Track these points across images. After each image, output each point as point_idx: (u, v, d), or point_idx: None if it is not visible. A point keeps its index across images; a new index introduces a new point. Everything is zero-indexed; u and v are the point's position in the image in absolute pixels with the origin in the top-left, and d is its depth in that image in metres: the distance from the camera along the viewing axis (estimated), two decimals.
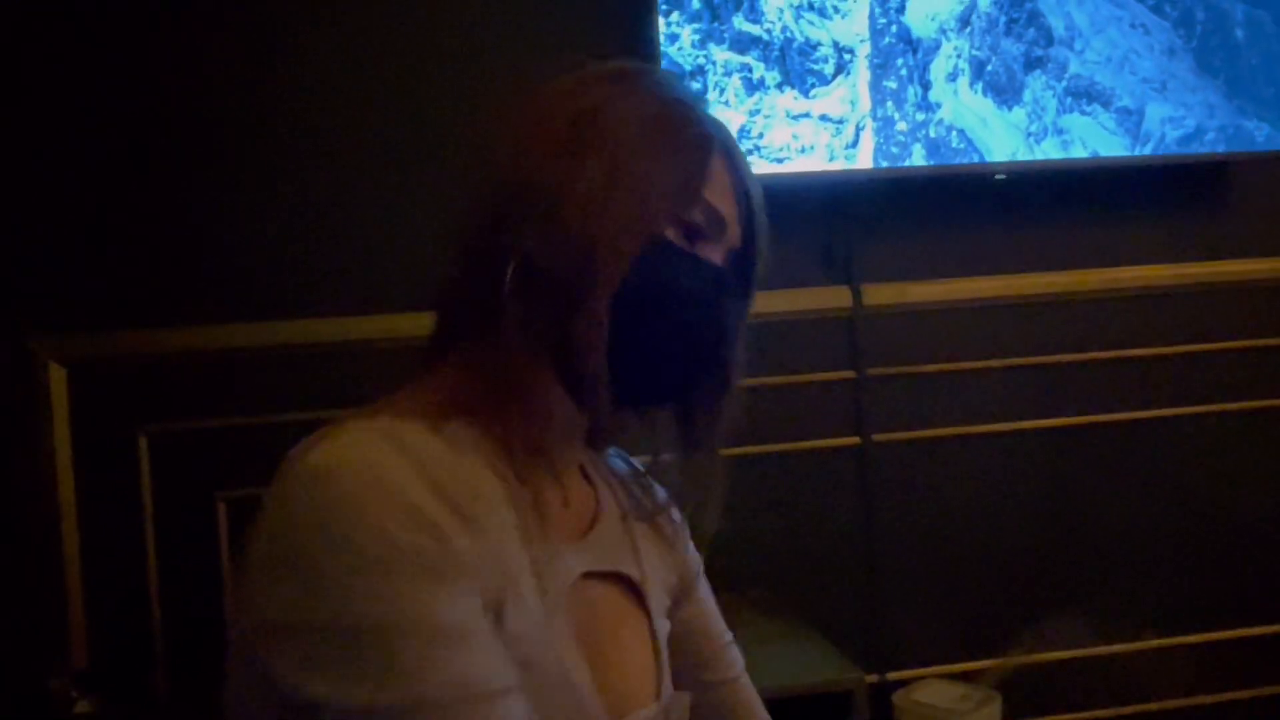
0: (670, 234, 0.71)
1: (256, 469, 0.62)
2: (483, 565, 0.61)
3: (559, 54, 1.92)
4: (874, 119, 1.93)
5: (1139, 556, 2.06)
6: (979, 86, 1.98)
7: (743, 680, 0.89)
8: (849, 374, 1.97)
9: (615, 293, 0.68)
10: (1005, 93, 1.99)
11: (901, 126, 1.93)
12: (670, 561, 0.85)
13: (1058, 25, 2.01)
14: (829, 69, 1.93)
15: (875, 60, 1.94)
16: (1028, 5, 1.98)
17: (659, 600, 0.81)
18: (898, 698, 1.74)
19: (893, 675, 1.93)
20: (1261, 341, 2.10)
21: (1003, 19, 1.98)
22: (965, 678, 1.83)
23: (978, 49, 1.97)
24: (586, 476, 0.81)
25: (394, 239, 1.80)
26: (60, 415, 1.75)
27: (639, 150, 0.70)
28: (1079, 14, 2.00)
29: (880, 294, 1.97)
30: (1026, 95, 1.98)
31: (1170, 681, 2.03)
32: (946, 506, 2.00)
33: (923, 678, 1.84)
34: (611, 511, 0.80)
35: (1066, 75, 2.01)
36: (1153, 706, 2.04)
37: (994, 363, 2.01)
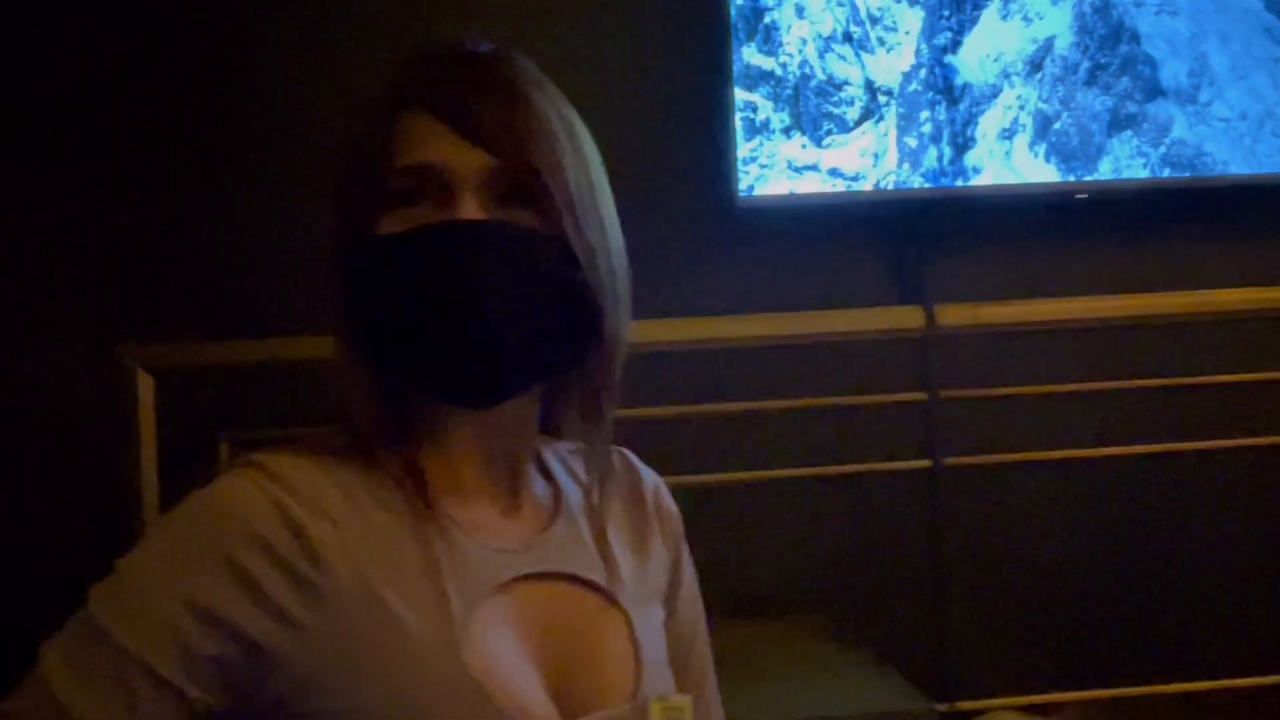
0: (383, 223, 0.71)
1: None
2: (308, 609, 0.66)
3: (629, 81, 1.92)
4: (897, 176, 1.68)
5: (1224, 591, 1.98)
6: (1040, 149, 1.67)
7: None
8: (920, 396, 1.95)
9: (352, 303, 0.72)
10: (1075, 159, 1.68)
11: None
12: (657, 552, 0.83)
13: (1176, 71, 1.65)
14: (853, 114, 1.67)
15: (900, 109, 1.68)
16: (1123, 48, 1.65)
17: (640, 594, 0.79)
18: None
19: (961, 705, 1.90)
20: None
21: (1085, 64, 1.65)
22: (1037, 710, 1.78)
23: (1046, 101, 1.66)
24: (548, 474, 0.81)
25: None
26: (147, 421, 1.82)
27: (346, 162, 0.75)
28: (1219, 55, 1.63)
29: (953, 314, 1.95)
30: (1104, 165, 1.67)
31: None
32: (1019, 533, 1.96)
33: (992, 708, 1.79)
34: (571, 511, 0.79)
35: (1166, 140, 1.66)
36: None
37: (1070, 387, 1.97)
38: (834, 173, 1.69)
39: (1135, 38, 1.71)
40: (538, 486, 0.79)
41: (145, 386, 1.82)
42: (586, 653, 0.74)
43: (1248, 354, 1.99)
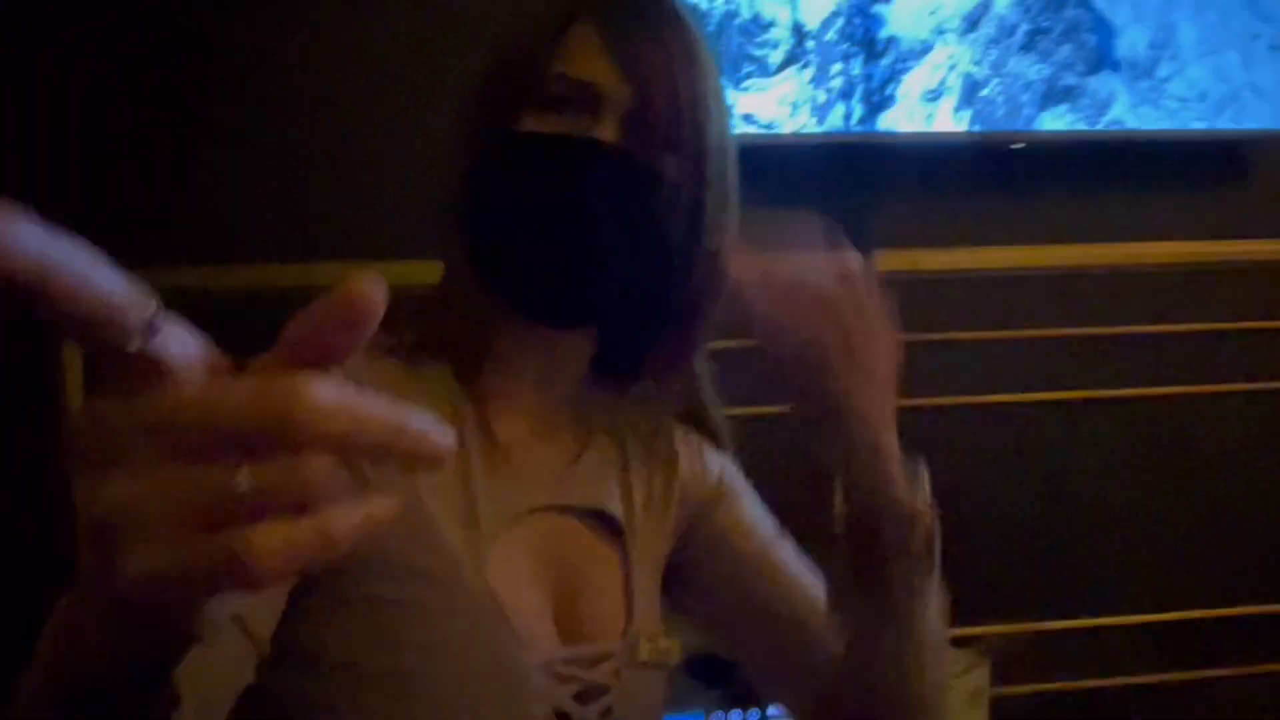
0: (527, 121, 0.70)
1: None
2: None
3: None
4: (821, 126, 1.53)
5: (1142, 533, 2.05)
6: (965, 115, 1.50)
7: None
8: None
9: (473, 190, 0.71)
10: (999, 130, 1.52)
11: None
12: (676, 491, 0.84)
13: (1135, 41, 1.46)
14: (776, 58, 1.52)
15: (816, 59, 1.50)
16: (1068, 13, 1.46)
17: (649, 545, 0.81)
18: None
19: None
20: (1275, 324, 2.08)
21: (1023, 27, 1.47)
22: (960, 642, 1.84)
23: (977, 64, 1.49)
24: (587, 418, 0.81)
25: (404, 184, 1.80)
26: (72, 347, 1.78)
27: (495, 47, 0.75)
28: (1189, 26, 1.43)
29: (892, 260, 1.96)
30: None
31: (1162, 657, 2.04)
32: (946, 475, 1.99)
33: None
34: (605, 452, 0.81)
35: (1103, 119, 1.49)
36: (1142, 680, 2.06)
37: (1004, 334, 2.00)
38: (748, 119, 1.55)
39: (1084, 1, 1.55)
40: (565, 418, 0.79)
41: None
42: (587, 585, 0.76)
43: (1177, 306, 2.04)
